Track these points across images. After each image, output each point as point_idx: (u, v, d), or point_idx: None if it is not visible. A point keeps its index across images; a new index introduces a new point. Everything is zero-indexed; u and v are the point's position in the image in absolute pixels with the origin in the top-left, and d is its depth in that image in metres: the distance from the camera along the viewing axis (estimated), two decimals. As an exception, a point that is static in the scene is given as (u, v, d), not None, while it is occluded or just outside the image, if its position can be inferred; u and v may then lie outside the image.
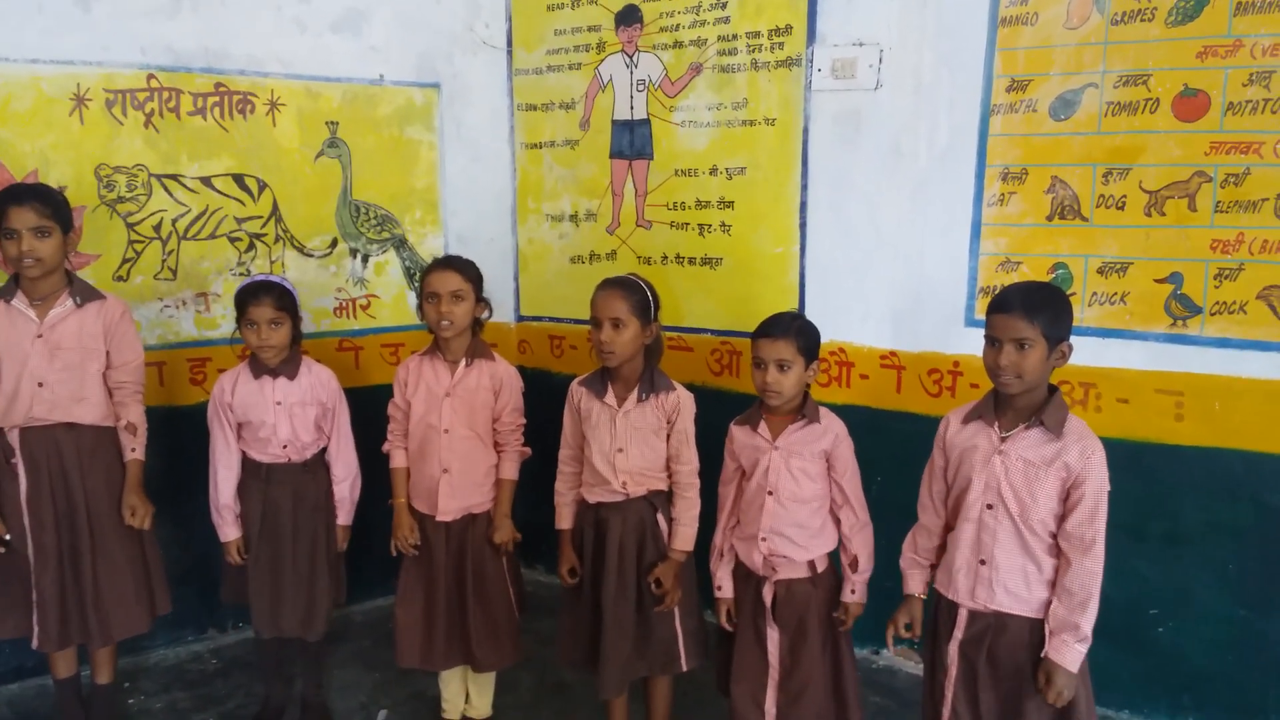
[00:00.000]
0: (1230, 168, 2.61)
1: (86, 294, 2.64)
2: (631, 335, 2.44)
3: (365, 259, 3.65)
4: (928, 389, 3.11)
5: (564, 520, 2.61)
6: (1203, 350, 2.69)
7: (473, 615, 2.66)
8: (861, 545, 2.37)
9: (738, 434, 2.43)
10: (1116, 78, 2.73)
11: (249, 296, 2.65)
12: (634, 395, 2.48)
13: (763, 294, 3.36)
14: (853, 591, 2.35)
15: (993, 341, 1.98)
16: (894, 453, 2.88)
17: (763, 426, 2.37)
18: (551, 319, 3.89)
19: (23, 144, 2.98)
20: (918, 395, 3.13)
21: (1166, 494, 2.79)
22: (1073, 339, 2.02)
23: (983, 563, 2.01)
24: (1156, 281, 2.74)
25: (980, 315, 2.97)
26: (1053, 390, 2.02)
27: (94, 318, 2.63)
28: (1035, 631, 1.99)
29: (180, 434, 3.15)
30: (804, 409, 2.35)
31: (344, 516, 2.82)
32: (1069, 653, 1.92)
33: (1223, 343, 2.66)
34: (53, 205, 2.53)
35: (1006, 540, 1.99)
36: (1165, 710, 2.88)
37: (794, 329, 2.31)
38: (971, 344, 2.99)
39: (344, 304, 3.63)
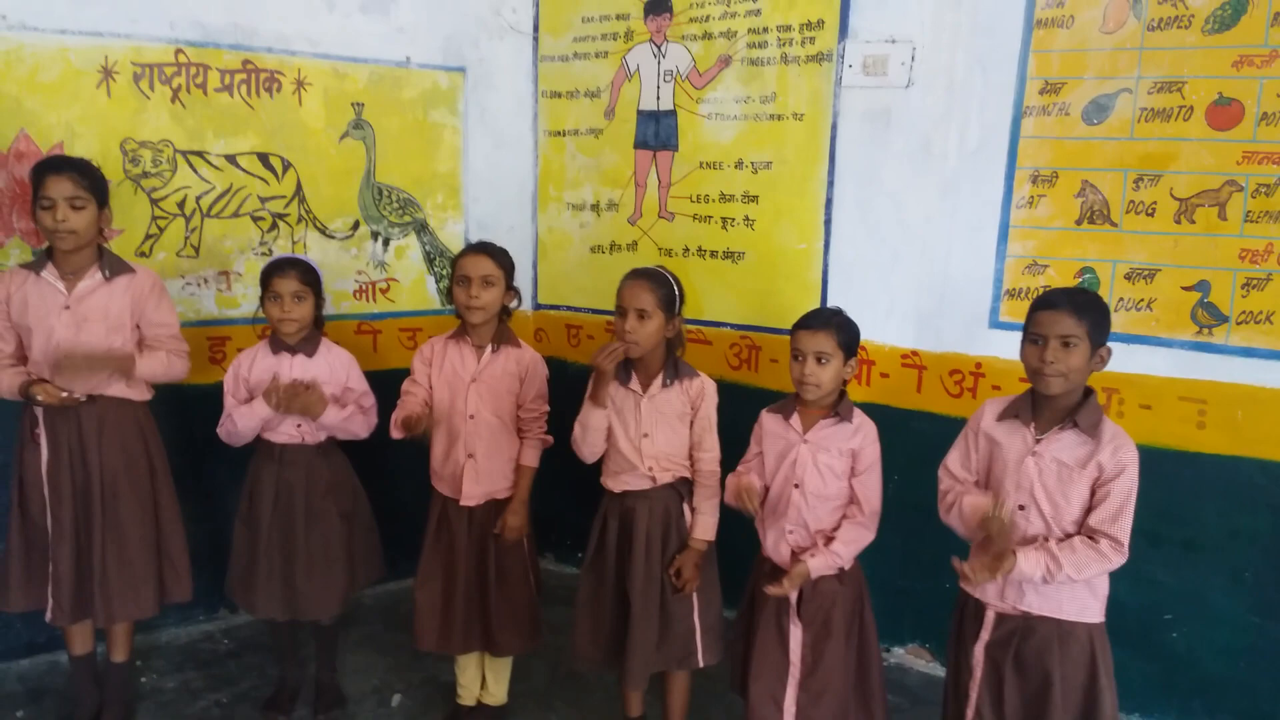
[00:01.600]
0: (1262, 178, 2.61)
1: (116, 267, 2.62)
2: (655, 327, 2.44)
3: (386, 242, 3.64)
4: (949, 390, 3.12)
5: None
6: (1227, 359, 2.70)
7: (494, 599, 2.66)
8: (850, 535, 2.31)
9: (768, 421, 2.44)
10: (1151, 84, 2.73)
11: (274, 269, 2.66)
12: (658, 381, 2.49)
13: (785, 289, 3.37)
14: (811, 556, 2.27)
15: (1036, 340, 1.99)
16: (911, 453, 2.87)
17: (795, 418, 2.37)
18: (569, 308, 3.89)
19: (49, 115, 2.95)
20: (939, 396, 3.13)
21: (1185, 501, 2.80)
22: (1100, 343, 2.03)
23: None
24: (1184, 289, 2.74)
25: (1005, 317, 3.01)
26: (1088, 392, 2.02)
27: (122, 291, 2.62)
28: (1066, 633, 2.00)
29: (198, 412, 3.13)
30: (839, 407, 2.35)
31: (336, 405, 2.71)
32: (1029, 560, 1.96)
33: (1248, 352, 2.67)
34: (90, 178, 2.51)
35: (1035, 539, 2.00)
36: (1176, 714, 2.90)
37: (835, 323, 2.31)
38: (995, 346, 3.02)
39: (364, 287, 3.62)
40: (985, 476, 2.15)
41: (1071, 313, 1.94)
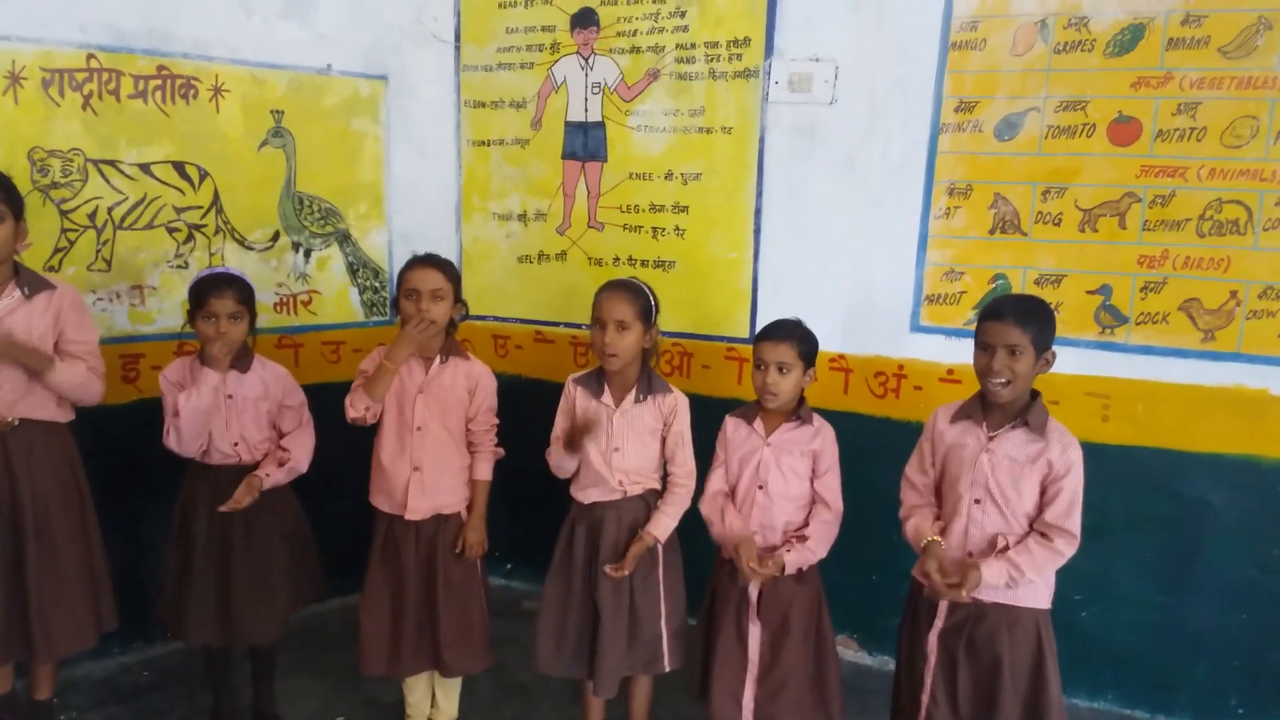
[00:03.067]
0: (1158, 190, 2.85)
1: (35, 284, 2.49)
2: (634, 338, 2.47)
3: (308, 253, 3.55)
4: (874, 391, 3.27)
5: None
6: (1128, 357, 2.93)
7: (443, 619, 2.63)
8: (821, 532, 2.42)
9: (731, 427, 2.51)
10: (1057, 103, 2.94)
11: (210, 288, 2.56)
12: (631, 395, 2.52)
13: (716, 297, 3.46)
14: (787, 550, 2.36)
15: (985, 347, 2.12)
16: (840, 451, 3.00)
17: (758, 423, 2.46)
18: (496, 318, 3.88)
19: (-52, 122, 2.77)
20: (864, 397, 3.28)
21: (1092, 489, 2.93)
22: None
23: (969, 554, 2.15)
24: (1088, 293, 2.96)
25: (926, 321, 3.17)
26: (1034, 394, 2.18)
27: (43, 309, 2.48)
28: (1015, 619, 2.14)
29: (110, 434, 2.99)
30: (799, 411, 2.44)
31: (262, 472, 2.61)
32: (992, 569, 2.10)
33: (1146, 350, 2.91)
34: (4, 190, 2.38)
35: (993, 533, 2.13)
36: (1087, 687, 3.13)
37: (796, 334, 2.40)
38: (916, 349, 3.19)
39: (285, 299, 3.52)
40: (942, 475, 2.27)
41: (1015, 323, 2.08)
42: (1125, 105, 2.86)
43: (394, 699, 2.95)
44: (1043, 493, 2.12)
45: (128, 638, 3.27)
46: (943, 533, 2.22)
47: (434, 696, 2.83)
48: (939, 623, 2.20)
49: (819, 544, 2.40)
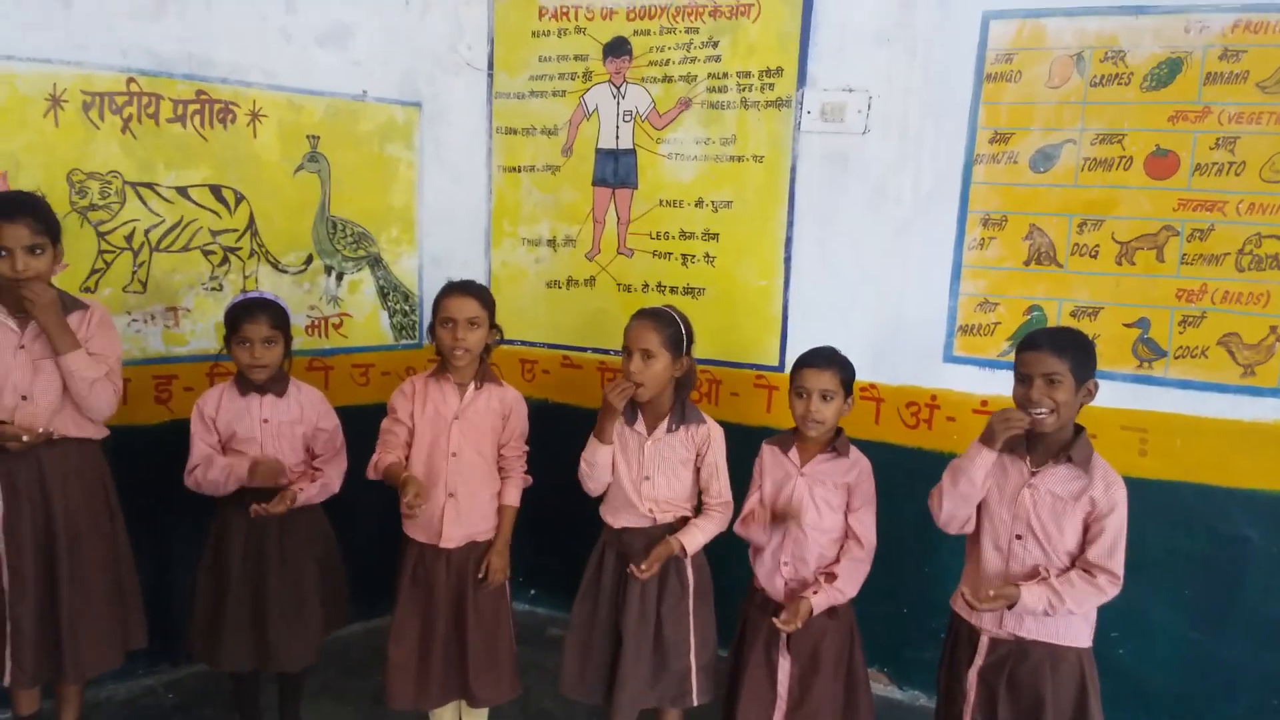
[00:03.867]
0: (1196, 223, 2.83)
1: (69, 304, 2.51)
2: (661, 368, 2.46)
3: (340, 277, 3.57)
4: (905, 421, 3.24)
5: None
6: (1166, 391, 2.90)
7: (472, 649, 2.61)
8: (851, 572, 2.39)
9: (768, 454, 2.50)
10: (1094, 135, 2.93)
11: (244, 313, 2.57)
12: (664, 425, 2.51)
13: (745, 325, 3.45)
14: (815, 593, 2.33)
15: (1023, 379, 2.11)
16: (873, 482, 2.99)
17: (793, 452, 2.44)
18: (524, 343, 3.88)
19: (-9, 144, 2.81)
20: (895, 427, 3.26)
21: (1130, 524, 2.89)
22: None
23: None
24: (1125, 326, 2.94)
25: (959, 352, 3.15)
26: (1078, 429, 2.15)
27: (76, 327, 2.50)
28: (1059, 657, 2.11)
29: (142, 455, 3.00)
30: (835, 442, 2.42)
31: (296, 488, 2.61)
32: (1031, 594, 2.06)
33: (1185, 384, 2.88)
34: (45, 221, 2.41)
35: (1034, 565, 2.10)
36: (1123, 727, 3.07)
37: (837, 361, 2.40)
38: (949, 379, 3.17)
39: (316, 322, 3.53)
40: (980, 506, 2.24)
41: (1053, 352, 2.07)
42: (1163, 139, 2.85)
43: (420, 726, 2.93)
44: (1085, 530, 2.09)
45: (153, 659, 3.26)
46: (976, 566, 2.19)
47: (461, 723, 2.80)
48: (979, 659, 2.17)
49: (848, 583, 2.37)
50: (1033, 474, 2.14)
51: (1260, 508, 2.84)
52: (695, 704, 2.55)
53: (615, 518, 2.55)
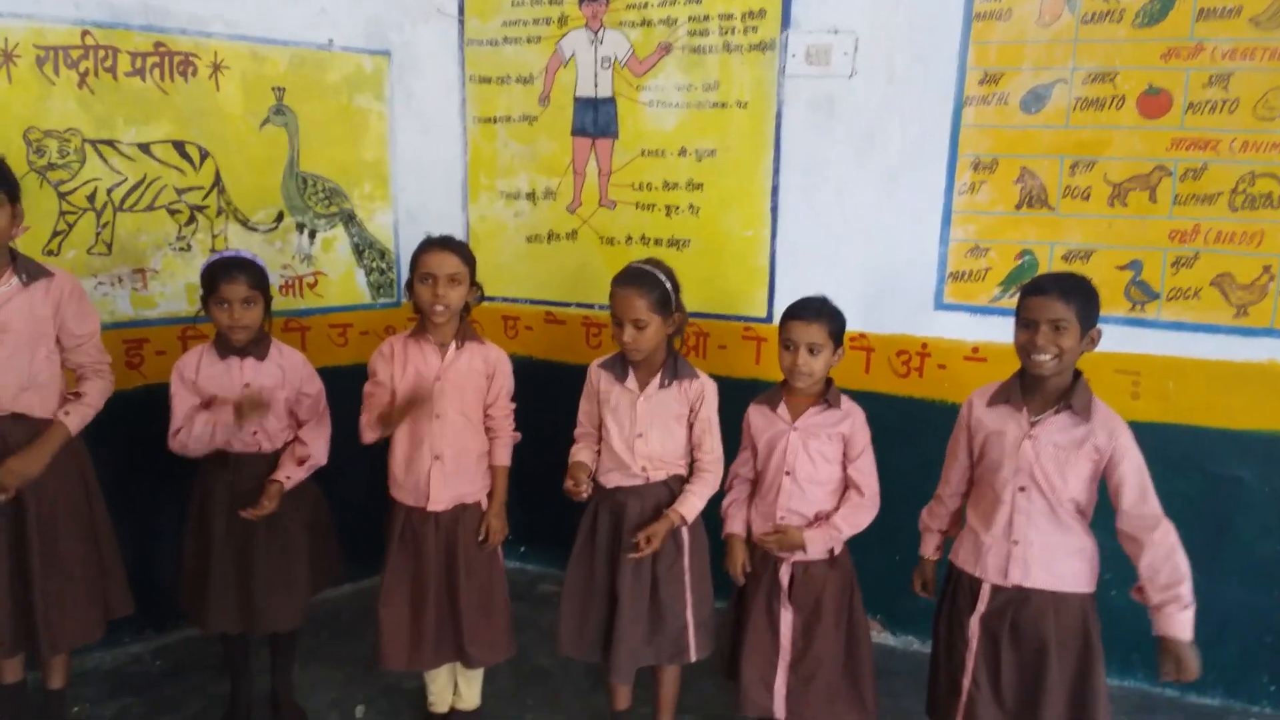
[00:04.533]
0: (1189, 163, 2.79)
1: (33, 271, 2.39)
2: (654, 331, 2.41)
3: (313, 234, 3.46)
4: (896, 370, 3.21)
5: (579, 454, 2.56)
6: (1159, 333, 2.88)
7: (465, 610, 2.57)
8: (849, 513, 2.37)
9: (755, 415, 2.45)
10: (1085, 75, 2.86)
11: (221, 273, 2.47)
12: (656, 380, 2.46)
13: (732, 276, 3.39)
14: (812, 529, 2.34)
15: (1027, 324, 2.06)
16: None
17: (782, 408, 2.39)
18: (505, 299, 3.79)
19: (-61, 102, 2.67)
20: (886, 376, 3.22)
21: None
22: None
23: (1015, 543, 2.10)
24: (1118, 268, 2.90)
25: (950, 299, 3.11)
26: (1077, 375, 2.11)
27: (42, 297, 2.39)
28: (1061, 604, 2.10)
29: (115, 422, 2.89)
30: (827, 394, 2.38)
31: (281, 474, 2.57)
32: (1177, 623, 2.02)
33: (1177, 326, 2.86)
34: (1, 178, 2.27)
35: (1041, 520, 2.09)
36: (1116, 667, 3.08)
37: (826, 312, 2.34)
38: (940, 327, 3.13)
39: (290, 282, 3.43)
40: (979, 462, 2.21)
41: (1059, 297, 2.02)
42: (1155, 77, 2.79)
43: (414, 685, 2.90)
44: (1104, 481, 2.06)
45: (137, 626, 3.20)
46: (983, 520, 2.16)
47: (456, 685, 2.77)
48: (981, 606, 2.15)
49: (845, 523, 2.35)
50: (1032, 424, 2.10)
51: (1252, 448, 2.84)
52: (693, 659, 2.53)
53: (607, 478, 2.50)
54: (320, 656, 3.15)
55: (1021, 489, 2.09)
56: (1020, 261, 3.01)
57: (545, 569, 3.82)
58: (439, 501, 2.56)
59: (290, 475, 2.59)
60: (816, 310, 2.34)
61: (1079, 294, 2.03)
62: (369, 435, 2.52)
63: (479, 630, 2.59)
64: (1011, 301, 2.95)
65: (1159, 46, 2.77)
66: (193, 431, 2.49)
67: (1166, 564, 2.04)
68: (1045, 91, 2.91)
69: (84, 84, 2.88)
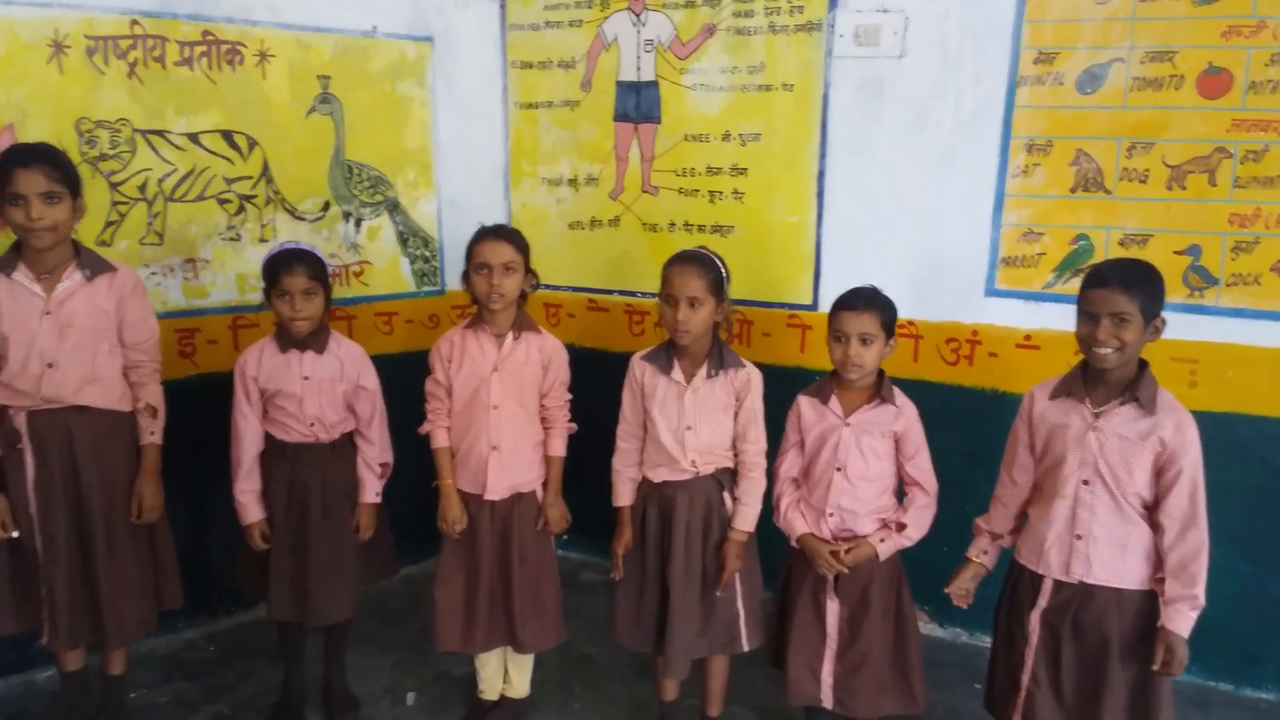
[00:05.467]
0: (1250, 145, 2.72)
1: (96, 266, 2.41)
2: (707, 314, 2.38)
3: (358, 223, 3.47)
4: (945, 358, 3.17)
5: (623, 497, 2.55)
6: (1217, 320, 2.82)
7: (518, 595, 2.58)
8: (919, 519, 2.36)
9: (805, 407, 2.42)
10: (1143, 54, 2.79)
11: (281, 265, 2.49)
12: (703, 371, 2.43)
13: (776, 263, 3.36)
14: (881, 541, 2.32)
15: (1088, 316, 2.01)
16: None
17: (834, 402, 2.36)
18: (548, 286, 3.76)
19: (-5, 94, 2.69)
20: (935, 364, 3.18)
21: None
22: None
23: (1078, 537, 2.06)
24: (1175, 253, 2.84)
25: (1002, 285, 3.06)
26: (1143, 365, 2.07)
27: (105, 292, 2.41)
28: (1125, 601, 2.06)
29: (169, 411, 2.93)
30: (881, 390, 2.35)
31: (370, 494, 2.69)
32: (1184, 620, 2.00)
33: (1237, 313, 2.79)
34: (62, 168, 2.30)
35: (1105, 515, 2.05)
36: (1168, 660, 3.05)
37: (877, 302, 2.30)
38: (992, 313, 3.09)
39: (337, 270, 3.44)
40: (1044, 457, 2.17)
41: (1122, 289, 1.97)
42: (1215, 56, 2.72)
43: (463, 671, 2.93)
44: (1160, 475, 2.02)
45: (191, 612, 3.25)
46: (1045, 514, 2.13)
47: (506, 672, 2.79)
48: (1042, 601, 2.12)
49: (917, 530, 2.34)
50: (1096, 416, 2.06)
51: (1314, 438, 2.78)
52: (745, 649, 2.52)
53: (654, 472, 2.48)
54: (372, 642, 3.18)
55: (1085, 482, 2.05)
56: (1075, 246, 2.95)
57: (588, 558, 3.83)
58: (496, 490, 2.57)
59: (378, 492, 2.69)
60: (868, 300, 2.30)
61: (1142, 285, 1.98)
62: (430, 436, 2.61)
63: (531, 616, 2.60)
64: (1066, 288, 2.94)
65: (1219, 24, 2.70)
66: (238, 455, 2.59)
67: (1194, 563, 2.02)
68: (1101, 71, 2.85)
69: (133, 74, 2.90)
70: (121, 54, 2.87)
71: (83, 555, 2.43)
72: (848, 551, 2.31)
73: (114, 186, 2.92)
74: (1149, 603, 2.06)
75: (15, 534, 2.38)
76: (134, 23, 2.87)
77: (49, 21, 2.73)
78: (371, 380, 2.67)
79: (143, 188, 2.97)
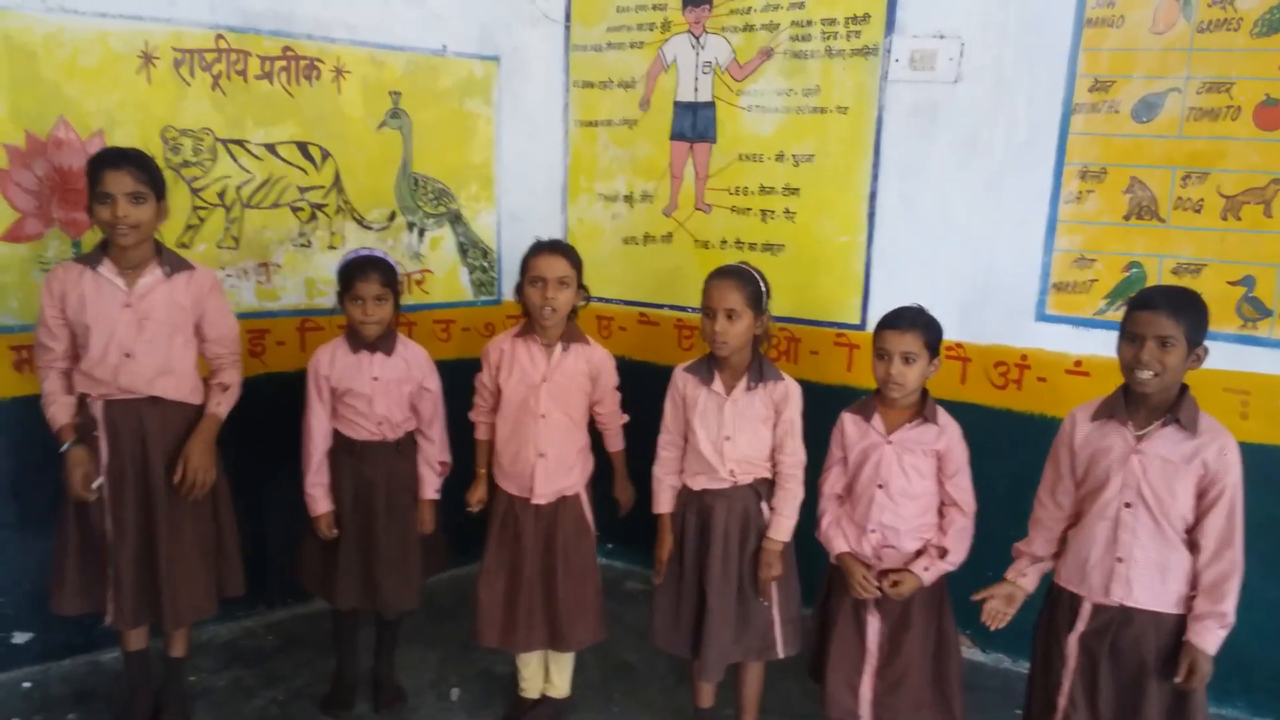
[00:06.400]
0: (1308, 177, 2.70)
1: (176, 264, 2.56)
2: (745, 326, 2.44)
3: (422, 233, 3.60)
4: (994, 381, 3.18)
5: (664, 504, 2.62)
6: (1271, 351, 2.79)
7: (562, 596, 2.66)
8: (957, 541, 2.39)
9: (848, 424, 2.46)
10: (1200, 84, 2.80)
11: (356, 271, 2.62)
12: (742, 383, 2.49)
13: (825, 282, 3.40)
14: (925, 569, 2.34)
15: (1133, 338, 2.04)
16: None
17: (877, 419, 2.40)
18: (600, 299, 3.86)
19: (88, 102, 2.86)
20: (983, 387, 3.19)
21: None
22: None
23: (1119, 560, 2.08)
24: (1229, 284, 2.83)
25: (1052, 310, 3.07)
26: (1183, 388, 2.08)
27: (183, 289, 2.56)
28: (1163, 625, 2.07)
29: (238, 408, 3.06)
30: (924, 409, 2.38)
31: (430, 491, 2.80)
32: (1212, 637, 2.02)
33: (1291, 344, 2.77)
34: (149, 171, 2.45)
35: (1146, 538, 2.06)
36: (1213, 694, 2.97)
37: (921, 322, 2.34)
38: (1042, 338, 3.09)
39: (400, 279, 3.56)
40: (1085, 479, 2.18)
41: (1169, 313, 1.99)
42: (1273, 88, 2.71)
43: (505, 670, 3.00)
44: (1202, 496, 2.03)
45: (251, 602, 3.38)
46: (1086, 536, 2.14)
47: (547, 672, 2.86)
48: (1080, 625, 2.13)
49: (958, 555, 2.37)
50: (1139, 439, 2.07)
51: (1369, 473, 2.74)
52: (781, 656, 2.56)
53: (693, 480, 2.55)
54: (419, 639, 3.28)
55: (1127, 505, 2.07)
56: (1128, 274, 2.96)
57: (631, 566, 3.89)
58: (542, 495, 2.65)
59: (437, 489, 2.83)
60: (911, 319, 2.34)
61: (1189, 310, 2.00)
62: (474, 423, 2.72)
63: (572, 613, 2.68)
64: (1117, 314, 2.91)
65: (1277, 57, 2.70)
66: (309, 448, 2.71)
67: (1227, 582, 2.03)
68: (1157, 100, 2.86)
69: (217, 86, 3.06)
70: (206, 66, 3.03)
71: (148, 539, 2.56)
72: (894, 585, 2.33)
73: (195, 192, 3.08)
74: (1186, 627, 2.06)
75: (98, 484, 2.50)
76: (219, 37, 3.04)
77: (140, 34, 2.90)
78: (434, 382, 2.79)
79: (221, 194, 3.13)
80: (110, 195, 2.39)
